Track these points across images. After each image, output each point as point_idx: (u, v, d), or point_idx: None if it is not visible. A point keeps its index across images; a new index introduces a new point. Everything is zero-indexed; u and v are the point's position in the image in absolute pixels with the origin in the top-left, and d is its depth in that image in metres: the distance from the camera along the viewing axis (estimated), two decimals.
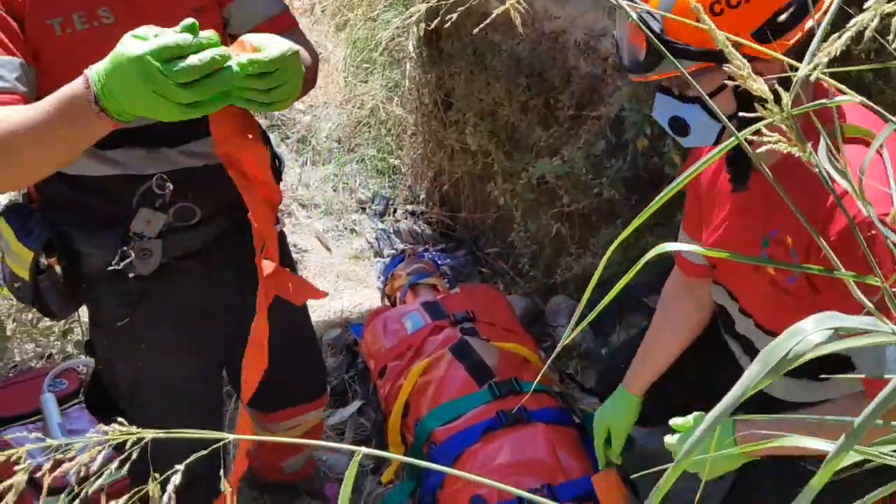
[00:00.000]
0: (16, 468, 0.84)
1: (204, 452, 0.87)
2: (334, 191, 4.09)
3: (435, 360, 2.38)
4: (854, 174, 1.06)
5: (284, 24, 1.52)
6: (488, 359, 2.35)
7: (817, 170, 0.80)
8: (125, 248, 1.45)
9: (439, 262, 3.35)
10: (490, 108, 3.02)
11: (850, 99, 0.79)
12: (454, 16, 0.83)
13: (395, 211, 3.91)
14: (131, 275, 1.48)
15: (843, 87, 0.77)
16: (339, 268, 3.67)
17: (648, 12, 1.22)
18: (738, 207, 1.49)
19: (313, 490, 2.36)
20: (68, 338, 2.81)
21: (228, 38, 1.48)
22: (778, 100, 0.78)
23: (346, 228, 3.93)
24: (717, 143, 1.34)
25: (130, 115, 1.09)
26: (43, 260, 1.48)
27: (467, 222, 3.62)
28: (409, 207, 3.88)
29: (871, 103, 0.80)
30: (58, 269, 1.51)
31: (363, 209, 4.01)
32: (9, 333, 2.89)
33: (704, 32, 1.01)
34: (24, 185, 1.39)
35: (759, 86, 0.77)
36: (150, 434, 0.85)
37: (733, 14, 1.21)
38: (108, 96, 1.06)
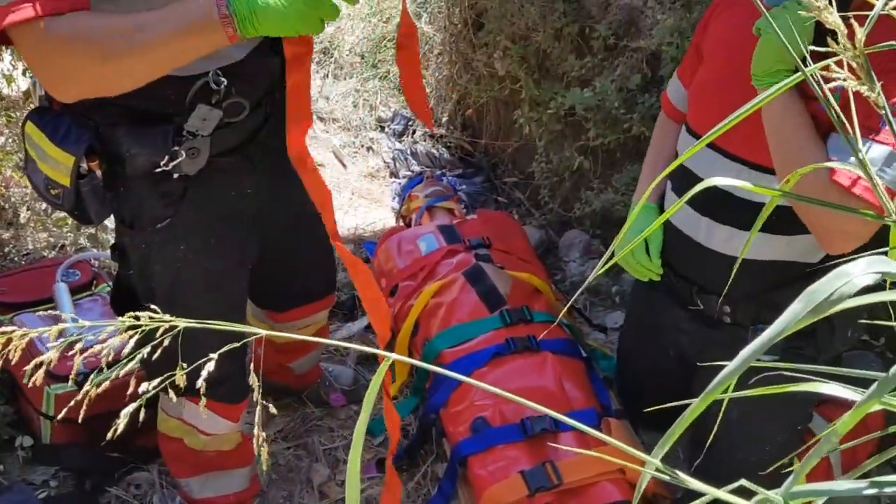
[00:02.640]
0: (49, 344, 0.85)
1: (236, 345, 0.88)
2: (354, 106, 4.04)
3: (448, 283, 2.39)
4: None
5: None
6: (501, 286, 2.35)
7: (883, 112, 0.78)
8: (176, 147, 1.42)
9: (456, 187, 3.33)
10: (522, 32, 2.95)
11: None
12: None
13: (414, 132, 3.87)
14: (176, 175, 1.45)
15: None
16: (354, 184, 3.65)
17: None
18: (748, 41, 1.43)
19: (318, 399, 2.40)
20: (81, 230, 2.82)
21: None
22: (851, 35, 0.75)
23: (362, 146, 3.90)
24: None
25: (256, 33, 1.21)
26: (83, 164, 1.43)
27: (487, 149, 3.58)
28: (429, 130, 3.83)
29: None
30: (98, 172, 1.46)
31: (382, 128, 3.97)
32: (23, 221, 2.89)
33: None
34: (136, 86, 1.32)
35: (833, 19, 0.75)
36: (182, 323, 0.85)
37: None
38: (252, 14, 1.19)
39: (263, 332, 0.87)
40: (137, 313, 0.86)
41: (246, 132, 1.58)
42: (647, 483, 0.90)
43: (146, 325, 0.87)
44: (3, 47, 2.80)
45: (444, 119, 3.73)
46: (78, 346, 0.85)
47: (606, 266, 0.90)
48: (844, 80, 0.79)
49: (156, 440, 1.94)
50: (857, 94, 0.74)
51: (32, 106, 1.64)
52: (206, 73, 1.44)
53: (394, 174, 3.70)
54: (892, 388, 0.70)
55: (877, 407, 0.86)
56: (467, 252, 2.54)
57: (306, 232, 1.82)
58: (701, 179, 1.50)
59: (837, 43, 0.77)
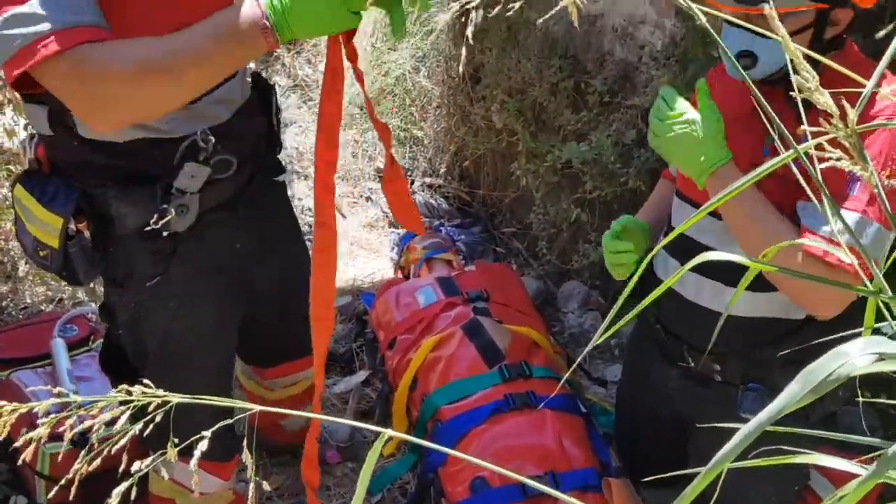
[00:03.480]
0: (39, 421, 0.84)
1: (229, 421, 0.87)
2: (353, 157, 4.07)
3: (446, 337, 2.38)
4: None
5: None
6: (499, 340, 2.34)
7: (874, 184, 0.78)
8: (165, 205, 1.43)
9: (454, 238, 3.34)
10: (519, 86, 2.99)
11: None
12: (516, 4, 0.80)
13: (412, 182, 3.89)
14: (166, 232, 1.46)
15: None
16: (353, 235, 3.66)
17: None
18: (739, 117, 1.48)
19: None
20: None
21: None
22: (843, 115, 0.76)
23: (361, 196, 3.92)
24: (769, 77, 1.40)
25: (293, 36, 1.23)
26: (71, 225, 1.45)
27: (485, 199, 3.60)
28: (428, 180, 3.85)
29: None
30: (86, 233, 1.48)
31: (381, 178, 3.99)
32: (21, 275, 2.89)
33: None
34: (172, 108, 1.34)
35: (825, 100, 0.76)
36: (175, 398, 0.84)
37: None
38: (284, 17, 1.21)
39: (257, 408, 0.86)
40: (130, 388, 0.85)
41: (234, 188, 1.59)
42: None
43: (138, 401, 0.86)
44: (6, 101, 2.83)
45: (443, 170, 3.75)
46: (70, 421, 0.84)
47: (610, 333, 0.89)
48: (839, 159, 0.79)
49: (149, 501, 1.91)
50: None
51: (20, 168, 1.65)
52: (194, 133, 1.46)
53: (393, 224, 3.71)
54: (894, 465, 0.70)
55: (880, 480, 0.84)
56: (465, 305, 2.54)
57: (294, 287, 1.79)
58: (689, 238, 1.55)
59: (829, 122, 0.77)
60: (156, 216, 1.43)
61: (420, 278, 2.83)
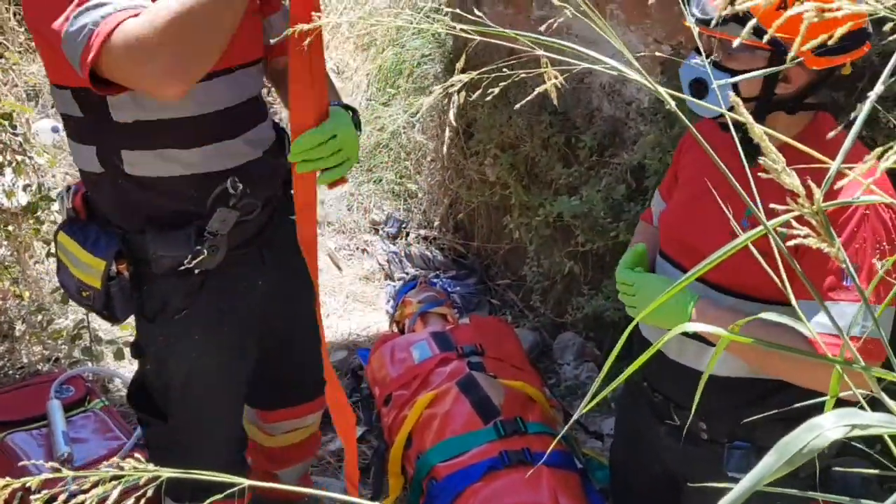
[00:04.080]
0: (32, 497, 0.86)
1: (219, 496, 0.88)
2: (349, 210, 4.12)
3: (441, 394, 2.39)
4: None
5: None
6: (494, 396, 2.35)
7: (844, 266, 0.81)
8: (198, 246, 1.56)
9: (449, 290, 3.36)
10: (511, 141, 3.04)
11: (885, 199, 0.80)
12: (496, 90, 0.84)
13: (407, 234, 3.93)
14: (197, 270, 1.59)
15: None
16: (350, 288, 3.68)
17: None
18: (723, 181, 1.48)
19: None
20: (76, 343, 2.83)
21: (268, 45, 1.67)
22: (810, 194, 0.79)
23: (357, 248, 3.95)
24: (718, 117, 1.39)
25: None
26: (113, 267, 1.58)
27: (480, 251, 3.63)
28: (423, 232, 3.89)
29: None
30: (125, 274, 1.60)
31: (376, 230, 4.03)
32: (18, 335, 2.91)
33: (777, 16, 1.10)
34: (223, 44, 1.37)
35: (791, 181, 0.79)
36: (166, 473, 0.86)
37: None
38: None
39: (247, 482, 0.88)
40: (121, 462, 0.87)
41: (256, 227, 1.72)
42: None
43: (129, 476, 0.88)
44: (6, 163, 2.87)
45: (437, 222, 3.79)
46: (79, 498, 0.86)
47: (604, 394, 0.91)
48: (806, 236, 0.82)
49: None
50: (814, 259, 0.78)
51: (59, 218, 1.88)
52: (226, 177, 1.59)
53: (389, 276, 3.73)
54: None
55: None
56: (460, 360, 2.55)
57: (301, 330, 1.88)
58: None
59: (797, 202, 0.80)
60: (189, 256, 1.56)
61: (415, 333, 2.84)
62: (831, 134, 0.80)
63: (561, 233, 2.96)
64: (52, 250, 1.82)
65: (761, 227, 0.83)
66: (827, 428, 0.74)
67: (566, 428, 1.25)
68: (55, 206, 1.71)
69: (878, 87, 0.72)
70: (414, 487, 2.26)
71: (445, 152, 3.49)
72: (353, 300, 3.61)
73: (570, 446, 2.29)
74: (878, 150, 0.72)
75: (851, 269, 0.84)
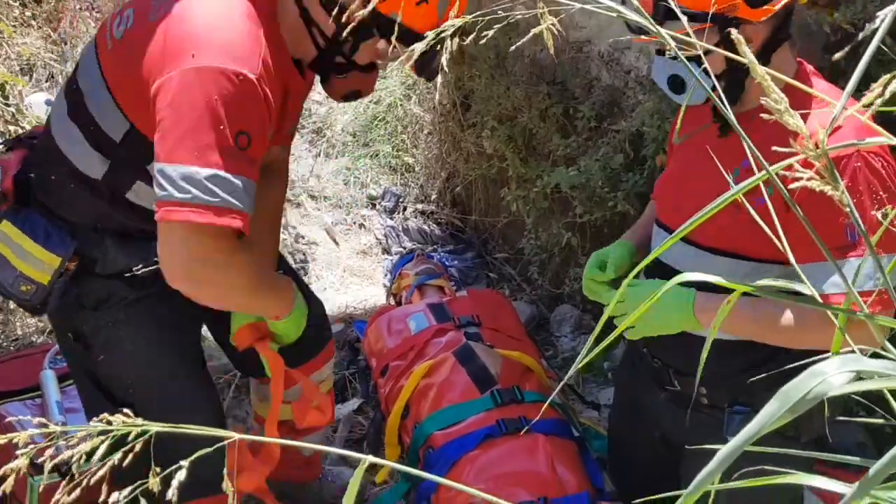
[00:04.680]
0: (18, 452, 0.84)
1: (209, 450, 0.87)
2: (345, 184, 4.09)
3: (438, 364, 2.37)
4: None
5: None
6: (491, 366, 2.33)
7: (847, 211, 0.79)
8: (156, 258, 1.50)
9: (447, 263, 3.34)
10: (509, 112, 3.01)
11: (885, 141, 0.78)
12: (490, 32, 0.81)
13: (405, 209, 3.91)
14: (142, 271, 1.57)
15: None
16: (347, 262, 3.66)
17: None
18: (708, 150, 1.48)
19: (320, 500, 2.31)
20: None
21: None
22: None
23: (354, 223, 3.93)
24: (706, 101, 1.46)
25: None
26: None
27: (477, 225, 3.61)
28: (420, 206, 3.87)
29: None
30: (71, 269, 1.56)
31: (373, 205, 4.01)
32: (11, 307, 2.89)
33: None
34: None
35: (794, 121, 0.76)
36: (154, 427, 0.84)
37: None
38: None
39: (237, 436, 0.86)
40: (110, 416, 0.85)
41: None
42: None
43: (118, 430, 0.86)
44: (4, 133, 2.84)
45: (434, 196, 3.77)
46: (50, 451, 0.84)
47: (595, 351, 0.90)
48: (809, 179, 0.80)
49: None
50: (811, 217, 0.75)
51: None
52: None
53: (386, 251, 3.72)
54: (881, 482, 0.69)
55: (866, 501, 0.84)
56: (457, 331, 2.53)
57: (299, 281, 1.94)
58: (667, 266, 1.59)
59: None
60: (141, 265, 1.55)
61: (411, 305, 2.83)
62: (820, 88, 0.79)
63: (559, 204, 2.93)
64: None
65: (757, 177, 0.81)
66: (830, 374, 0.72)
67: (556, 390, 1.25)
68: None
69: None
70: (411, 456, 2.25)
71: (441, 121, 3.46)
72: (350, 274, 3.60)
73: (567, 415, 2.28)
74: (870, 95, 0.70)
75: (858, 219, 0.82)
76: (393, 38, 1.43)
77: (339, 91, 1.64)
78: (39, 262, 1.51)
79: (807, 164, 0.71)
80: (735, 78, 1.44)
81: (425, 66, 1.50)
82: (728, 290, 0.97)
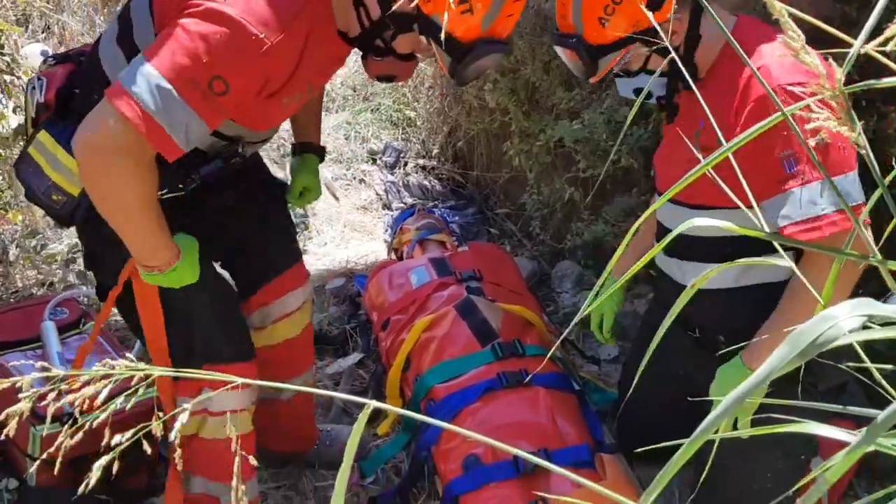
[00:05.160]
0: (20, 395, 0.83)
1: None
2: (346, 139, 4.05)
3: (439, 317, 2.37)
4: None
5: None
6: (492, 319, 2.33)
7: (863, 152, 0.77)
8: (181, 185, 1.62)
9: (448, 219, 3.32)
10: (512, 65, 2.97)
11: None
12: None
13: (406, 164, 3.87)
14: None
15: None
16: (347, 217, 3.64)
17: (570, 36, 1.59)
18: (681, 112, 1.75)
19: (326, 460, 2.31)
20: (70, 267, 2.80)
21: None
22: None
23: (355, 178, 3.90)
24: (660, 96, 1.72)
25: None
26: None
27: (479, 181, 3.58)
28: (421, 162, 3.84)
29: None
30: None
31: (374, 160, 3.98)
32: (11, 259, 2.88)
33: (612, 29, 1.54)
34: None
35: (810, 59, 0.75)
36: (157, 371, 0.83)
37: (623, 6, 1.53)
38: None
39: (240, 381, 0.85)
40: (112, 362, 0.84)
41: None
42: None
43: (120, 374, 0.85)
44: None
45: (436, 151, 3.73)
46: (52, 395, 0.83)
47: (597, 302, 0.90)
48: (826, 119, 0.78)
49: (140, 482, 1.91)
50: (750, 161, 0.78)
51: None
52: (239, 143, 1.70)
53: (386, 206, 3.69)
54: (888, 429, 0.69)
55: (871, 448, 0.84)
56: (458, 285, 2.53)
57: (272, 204, 2.04)
58: (666, 227, 1.83)
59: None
60: (166, 189, 1.58)
61: (413, 259, 2.82)
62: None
63: (561, 159, 2.91)
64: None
65: (779, 114, 0.80)
66: (841, 318, 0.71)
67: (557, 343, 1.24)
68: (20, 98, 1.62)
69: None
70: (412, 409, 2.26)
71: (443, 75, 3.40)
72: (351, 230, 3.58)
73: (567, 369, 2.29)
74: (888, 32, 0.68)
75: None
76: (432, 40, 1.47)
77: (374, 71, 1.69)
78: (71, 174, 1.55)
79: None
80: (684, 59, 1.62)
81: (458, 73, 1.52)
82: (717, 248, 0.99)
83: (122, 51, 1.57)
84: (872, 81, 0.81)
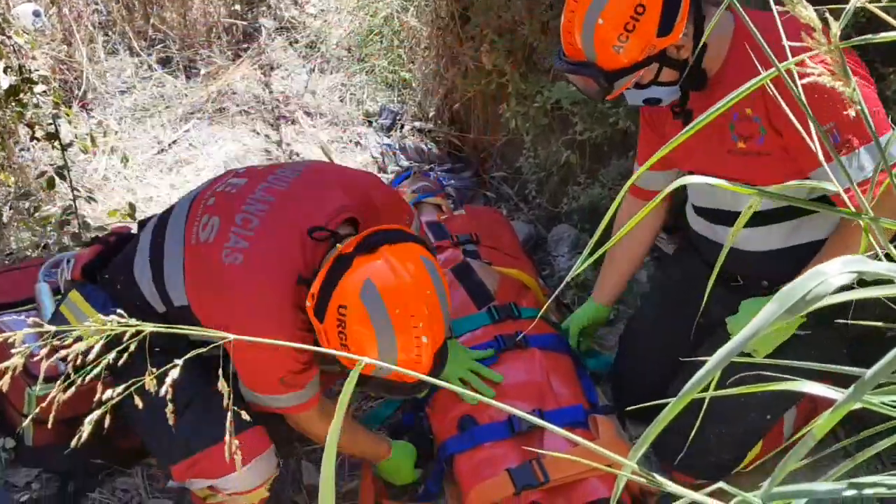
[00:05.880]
0: (13, 350, 0.83)
1: (203, 350, 0.86)
2: (341, 101, 4.02)
3: None
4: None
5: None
6: (489, 282, 2.34)
7: (859, 107, 0.77)
8: None
9: (444, 182, 3.31)
10: (509, 25, 2.93)
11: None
12: None
13: (402, 127, 3.85)
14: None
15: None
16: None
17: (583, 64, 1.68)
18: (694, 116, 1.80)
19: None
20: (65, 229, 2.80)
21: None
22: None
23: (350, 141, 3.87)
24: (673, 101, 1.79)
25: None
26: None
27: (476, 144, 3.56)
28: (417, 124, 3.81)
29: None
30: None
31: (370, 122, 3.95)
32: (5, 221, 2.87)
33: (627, 55, 1.64)
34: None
35: (807, 13, 0.74)
36: (149, 328, 0.83)
37: (640, 27, 1.60)
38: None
39: (233, 337, 0.85)
40: (104, 318, 0.84)
41: None
42: (623, 485, 0.89)
43: (112, 330, 0.85)
44: None
45: (432, 113, 3.70)
46: (61, 353, 0.83)
47: (589, 261, 0.90)
48: (819, 74, 0.77)
49: (137, 442, 1.92)
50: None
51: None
52: None
53: (382, 169, 3.67)
54: (874, 387, 0.69)
55: (857, 406, 0.84)
56: (455, 248, 2.53)
57: None
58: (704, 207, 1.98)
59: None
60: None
61: None
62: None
63: (558, 122, 2.89)
64: (37, 134, 1.84)
65: (773, 69, 0.79)
66: (831, 274, 0.71)
67: (548, 302, 1.24)
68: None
69: None
70: None
71: (439, 35, 3.37)
72: None
73: (563, 331, 2.30)
74: None
75: (867, 113, 0.81)
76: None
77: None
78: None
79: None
80: (692, 69, 1.69)
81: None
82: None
83: (152, 270, 1.79)
84: (869, 36, 0.80)
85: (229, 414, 0.79)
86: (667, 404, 0.71)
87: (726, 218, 1.92)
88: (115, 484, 2.11)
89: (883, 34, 0.77)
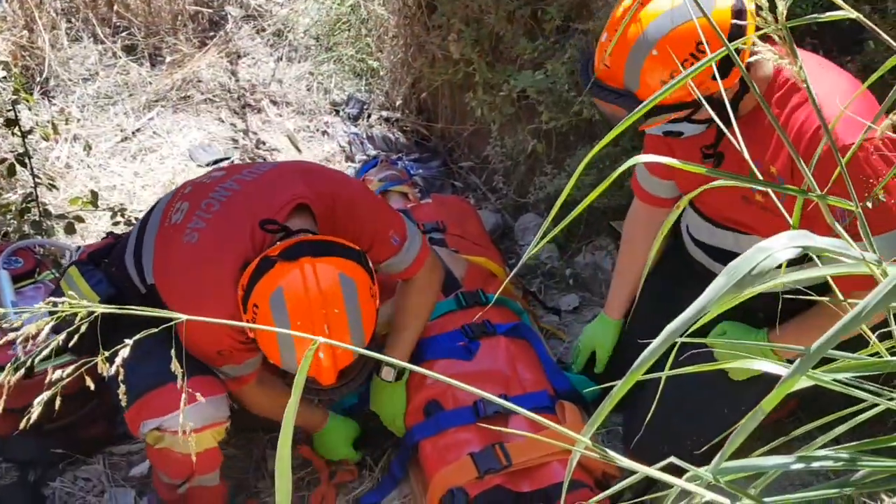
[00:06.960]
0: None
1: (154, 330, 0.86)
2: (308, 90, 3.99)
3: None
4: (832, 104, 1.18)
5: (415, 270, 2.07)
6: (456, 270, 2.34)
7: (805, 86, 0.78)
8: None
9: (412, 172, 3.31)
10: (476, 14, 2.93)
11: (844, 15, 0.76)
12: None
13: (369, 116, 3.83)
14: None
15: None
16: None
17: (619, 92, 1.60)
18: (726, 157, 1.74)
19: None
20: (25, 217, 2.75)
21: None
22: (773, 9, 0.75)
23: (318, 130, 3.85)
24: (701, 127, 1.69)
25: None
26: None
27: (443, 133, 3.56)
28: (385, 113, 3.79)
29: (864, 19, 0.77)
30: None
31: (337, 111, 3.92)
32: None
33: (676, 92, 1.50)
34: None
35: None
36: (100, 309, 0.82)
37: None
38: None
39: (184, 317, 0.85)
40: (55, 299, 0.83)
41: None
42: (576, 462, 0.90)
43: (63, 311, 0.84)
44: None
45: (399, 103, 3.69)
46: (10, 336, 0.82)
47: (545, 241, 0.90)
48: (767, 51, 0.78)
49: (99, 431, 1.91)
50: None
51: None
52: None
53: (349, 158, 3.66)
54: (816, 363, 0.70)
55: (806, 383, 0.86)
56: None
57: None
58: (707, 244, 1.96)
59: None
60: None
61: None
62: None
63: (525, 111, 2.89)
64: None
65: (723, 49, 0.80)
66: (776, 249, 0.73)
67: (507, 280, 1.25)
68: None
69: None
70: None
71: (406, 24, 3.36)
72: None
73: (528, 320, 2.31)
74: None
75: None
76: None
77: None
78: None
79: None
80: (732, 102, 1.62)
81: None
82: None
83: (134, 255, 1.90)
84: (815, 16, 0.81)
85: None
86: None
87: (724, 258, 1.86)
88: (77, 473, 2.09)
89: (829, 13, 0.78)
